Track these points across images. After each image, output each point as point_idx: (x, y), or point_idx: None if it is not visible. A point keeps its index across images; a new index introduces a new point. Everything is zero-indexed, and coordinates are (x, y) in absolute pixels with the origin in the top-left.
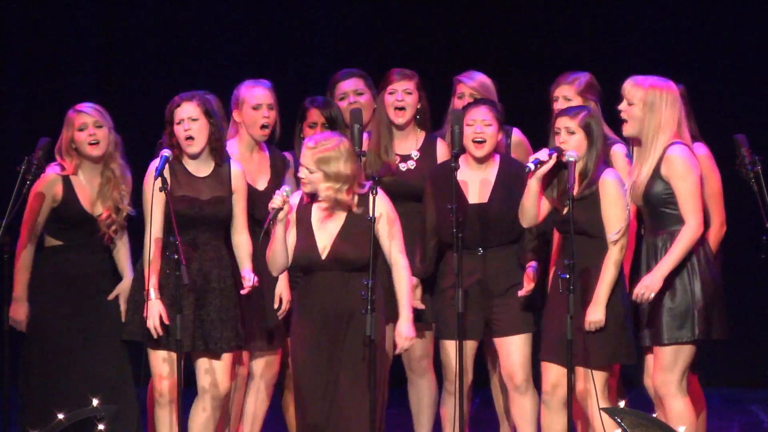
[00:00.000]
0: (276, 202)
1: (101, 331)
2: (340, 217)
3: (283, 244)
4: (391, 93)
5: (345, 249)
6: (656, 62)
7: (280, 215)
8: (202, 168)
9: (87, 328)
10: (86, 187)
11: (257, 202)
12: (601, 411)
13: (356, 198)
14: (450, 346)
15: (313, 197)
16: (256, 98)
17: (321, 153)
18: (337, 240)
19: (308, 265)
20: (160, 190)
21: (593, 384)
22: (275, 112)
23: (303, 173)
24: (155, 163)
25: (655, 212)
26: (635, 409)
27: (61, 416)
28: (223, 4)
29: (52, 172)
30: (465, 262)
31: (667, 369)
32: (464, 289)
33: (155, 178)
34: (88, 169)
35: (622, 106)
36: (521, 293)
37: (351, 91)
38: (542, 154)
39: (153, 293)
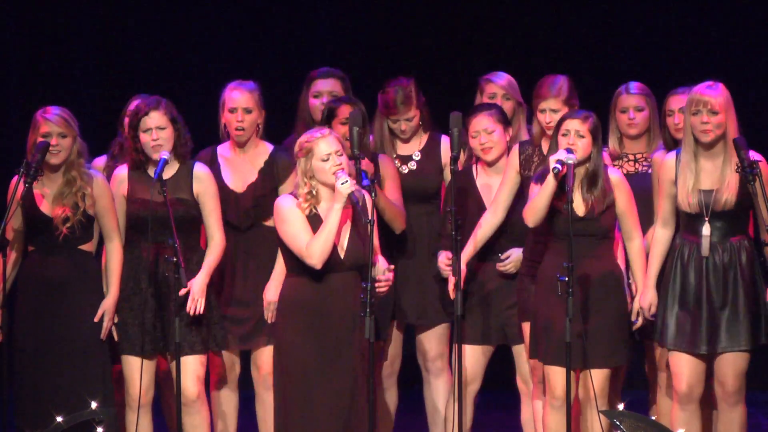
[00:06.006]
0: (348, 185)
1: (70, 334)
2: (347, 217)
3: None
4: None
5: (359, 248)
6: (657, 64)
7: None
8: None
9: (55, 331)
10: (45, 190)
11: (230, 203)
12: (601, 414)
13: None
14: (466, 350)
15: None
16: (232, 101)
17: (341, 139)
18: (351, 239)
19: (327, 266)
20: (159, 193)
21: (592, 388)
22: (254, 115)
23: (340, 160)
24: (120, 169)
25: (735, 215)
26: (634, 412)
27: (59, 419)
28: (223, 4)
29: (15, 177)
30: (485, 267)
31: (744, 374)
32: (482, 294)
33: (154, 181)
34: (48, 173)
35: (706, 116)
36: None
37: (326, 91)
38: (563, 154)
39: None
